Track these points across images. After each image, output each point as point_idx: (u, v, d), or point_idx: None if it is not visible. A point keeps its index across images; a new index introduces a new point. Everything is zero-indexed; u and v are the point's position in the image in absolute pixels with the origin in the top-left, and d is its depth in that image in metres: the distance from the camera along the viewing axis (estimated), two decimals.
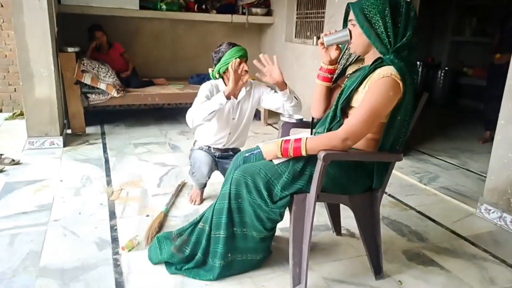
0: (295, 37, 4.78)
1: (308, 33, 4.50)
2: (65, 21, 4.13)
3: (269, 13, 5.08)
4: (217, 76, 2.28)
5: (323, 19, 4.09)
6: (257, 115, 4.44)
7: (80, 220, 2.23)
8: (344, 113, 1.58)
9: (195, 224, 1.80)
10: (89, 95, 3.87)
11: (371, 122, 1.49)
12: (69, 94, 3.77)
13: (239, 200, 1.63)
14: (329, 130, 1.60)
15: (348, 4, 1.60)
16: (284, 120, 1.94)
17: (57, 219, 2.23)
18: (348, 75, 1.70)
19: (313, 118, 1.87)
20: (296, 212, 1.58)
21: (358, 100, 1.52)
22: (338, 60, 1.74)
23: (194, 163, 2.39)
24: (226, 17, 4.86)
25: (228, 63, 2.18)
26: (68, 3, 4.13)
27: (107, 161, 3.20)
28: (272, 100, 2.32)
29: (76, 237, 2.06)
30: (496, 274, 1.89)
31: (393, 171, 3.07)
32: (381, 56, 1.52)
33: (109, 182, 2.77)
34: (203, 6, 4.83)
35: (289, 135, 1.89)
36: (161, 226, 2.17)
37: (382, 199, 1.75)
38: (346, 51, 1.74)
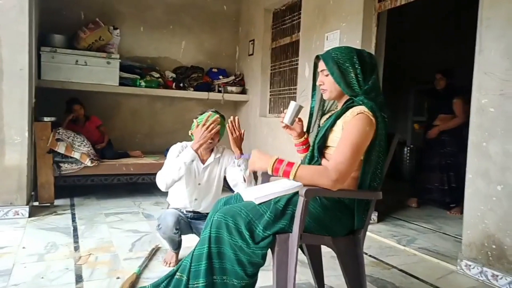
0: (269, 112, 5.02)
1: (282, 108, 4.75)
2: (43, 94, 4.20)
3: (243, 91, 5.38)
4: (190, 134, 2.35)
5: (295, 94, 4.37)
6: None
7: (42, 284, 2.04)
8: (321, 153, 1.63)
9: (171, 276, 1.69)
10: (61, 164, 3.79)
11: (356, 159, 1.53)
12: (40, 163, 3.68)
13: (220, 243, 1.56)
14: None
15: (317, 56, 1.75)
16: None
17: (17, 283, 2.03)
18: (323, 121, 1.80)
19: None
20: (279, 254, 1.52)
21: (334, 140, 1.59)
22: (311, 115, 1.85)
23: (160, 216, 2.32)
24: (203, 95, 5.09)
25: (202, 118, 2.28)
26: (48, 78, 4.24)
27: (75, 229, 3.03)
28: (231, 174, 2.30)
29: None
30: None
31: (372, 234, 3.11)
32: (352, 97, 1.63)
33: (77, 248, 2.60)
34: (181, 85, 5.08)
35: (269, 182, 1.90)
36: (132, 287, 2.00)
37: (364, 245, 1.72)
38: (321, 100, 1.85)
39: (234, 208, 1.59)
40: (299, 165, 1.52)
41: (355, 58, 1.62)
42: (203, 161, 2.36)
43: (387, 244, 2.98)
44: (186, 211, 2.38)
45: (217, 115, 2.33)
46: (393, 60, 4.18)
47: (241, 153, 2.21)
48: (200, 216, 2.37)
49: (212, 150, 2.38)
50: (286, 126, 1.85)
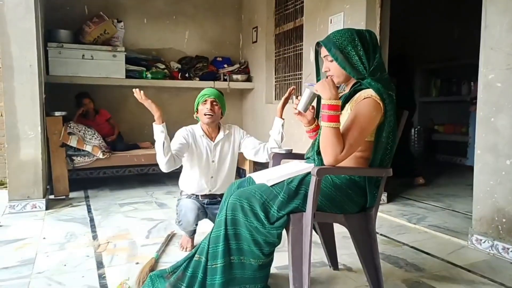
0: (275, 99, 5.04)
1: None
2: (52, 89, 4.26)
3: (249, 79, 5.40)
4: (195, 116, 2.40)
5: (301, 79, 4.38)
6: None
7: (65, 271, 2.12)
8: None
9: (190, 258, 1.75)
10: (74, 157, 3.87)
11: (360, 140, 1.57)
12: (54, 157, 3.76)
13: (236, 225, 1.62)
14: (318, 152, 1.67)
15: (317, 43, 1.76)
16: (274, 152, 2.00)
17: (41, 271, 2.11)
18: None
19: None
20: (293, 232, 1.57)
21: (342, 122, 1.62)
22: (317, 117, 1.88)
23: (180, 211, 2.36)
24: (208, 84, 5.10)
25: (198, 100, 2.36)
26: (56, 74, 4.30)
27: (92, 219, 3.11)
28: (249, 144, 2.41)
29: (62, 286, 1.94)
30: None
31: (382, 214, 3.15)
32: (359, 80, 1.66)
33: (95, 237, 2.67)
34: (186, 75, 5.11)
35: (280, 164, 1.95)
36: (152, 271, 2.06)
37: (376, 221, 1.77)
38: None
39: (248, 190, 1.64)
40: (335, 126, 1.51)
41: (356, 39, 1.64)
42: (212, 139, 2.40)
43: (397, 223, 3.02)
44: (202, 196, 2.42)
45: (212, 96, 2.35)
46: (399, 39, 4.15)
47: (281, 114, 2.36)
48: (215, 201, 2.42)
49: (219, 128, 2.42)
50: (299, 113, 1.83)
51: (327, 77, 1.70)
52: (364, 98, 1.59)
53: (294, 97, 1.92)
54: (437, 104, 6.43)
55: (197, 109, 2.40)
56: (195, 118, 2.46)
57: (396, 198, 3.71)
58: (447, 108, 6.30)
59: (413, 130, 6.23)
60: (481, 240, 2.44)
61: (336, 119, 1.51)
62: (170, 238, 2.60)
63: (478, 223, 2.48)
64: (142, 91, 2.19)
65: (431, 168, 5.55)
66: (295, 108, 1.81)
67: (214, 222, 2.27)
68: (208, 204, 2.43)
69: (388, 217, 3.15)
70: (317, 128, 1.89)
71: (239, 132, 2.49)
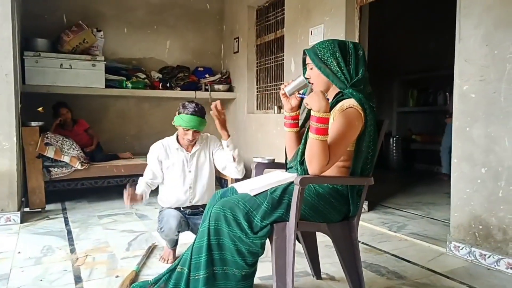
0: (257, 109, 5.07)
1: (269, 104, 4.80)
2: (29, 99, 4.16)
3: (230, 89, 5.42)
4: (172, 123, 2.38)
5: None
6: None
7: (42, 286, 2.05)
8: None
9: (172, 269, 1.72)
10: (51, 168, 3.77)
11: (343, 149, 1.59)
12: (30, 169, 3.65)
13: (219, 235, 1.61)
14: (301, 162, 1.68)
15: (304, 51, 1.80)
16: (257, 161, 2.00)
17: (16, 287, 2.03)
18: None
19: (286, 162, 1.97)
20: (277, 241, 1.57)
21: None
22: (300, 107, 1.89)
23: (162, 218, 2.34)
24: (190, 94, 5.10)
25: (179, 123, 2.31)
26: (33, 83, 4.21)
27: (69, 232, 3.02)
28: (219, 157, 2.40)
29: None
30: None
31: (363, 223, 3.19)
32: (341, 90, 1.69)
33: (73, 250, 2.60)
34: (168, 85, 5.08)
35: (262, 174, 1.95)
36: (133, 284, 2.02)
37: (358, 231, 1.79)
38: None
39: (232, 200, 1.64)
40: (323, 139, 1.51)
41: (335, 49, 1.67)
42: (188, 150, 2.40)
43: (378, 231, 3.06)
44: (183, 208, 2.40)
45: (196, 128, 2.32)
46: (377, 51, 4.25)
47: (228, 135, 2.25)
48: (197, 212, 2.40)
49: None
50: (284, 94, 1.83)
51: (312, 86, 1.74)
52: (347, 108, 1.62)
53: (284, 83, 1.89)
54: (414, 114, 6.58)
55: (178, 125, 2.35)
56: (173, 124, 2.42)
57: (376, 207, 3.76)
58: (424, 118, 6.46)
59: (391, 140, 6.37)
60: (459, 247, 2.49)
61: (324, 132, 1.51)
62: (151, 250, 2.55)
63: (456, 230, 2.53)
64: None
65: (410, 177, 5.66)
66: (282, 89, 1.83)
67: (196, 234, 2.26)
68: (189, 215, 2.41)
69: (370, 226, 3.18)
70: (297, 117, 1.88)
71: (214, 143, 2.48)
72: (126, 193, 2.29)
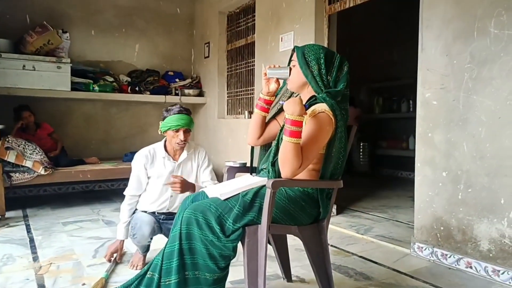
0: (227, 114, 5.08)
1: (240, 110, 4.82)
2: None
3: (201, 94, 5.40)
4: (159, 132, 2.34)
5: (252, 95, 4.46)
6: None
7: None
8: None
9: (142, 275, 1.69)
10: (12, 174, 3.61)
11: (314, 152, 1.63)
12: None
13: (191, 239, 1.60)
14: (273, 163, 1.71)
15: (294, 47, 1.84)
16: (228, 165, 2.01)
17: None
18: None
19: (252, 166, 2.00)
20: (249, 244, 1.58)
21: None
22: (276, 96, 1.94)
23: (135, 224, 2.29)
24: (159, 98, 5.04)
25: (168, 126, 2.26)
26: None
27: (32, 240, 2.91)
28: (202, 176, 2.44)
29: None
30: None
31: (332, 226, 3.26)
32: (315, 94, 1.73)
33: (36, 259, 2.50)
34: (136, 88, 5.00)
35: (234, 178, 1.96)
36: None
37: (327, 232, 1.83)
38: (286, 90, 1.94)
39: (203, 204, 1.63)
40: (296, 141, 1.54)
41: (321, 56, 1.73)
42: (175, 159, 2.36)
43: (346, 234, 3.13)
44: (158, 213, 2.37)
45: (186, 126, 2.28)
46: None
47: (193, 191, 2.26)
48: (172, 217, 2.37)
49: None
50: (265, 75, 1.86)
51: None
52: (319, 113, 1.66)
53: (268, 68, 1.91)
54: (379, 120, 6.80)
55: (165, 130, 2.30)
56: (160, 134, 2.37)
57: (345, 210, 3.86)
58: (389, 125, 6.68)
59: (358, 145, 6.54)
60: (422, 247, 2.59)
61: (297, 135, 1.55)
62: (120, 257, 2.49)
63: (419, 232, 2.64)
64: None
65: (376, 182, 5.84)
66: (266, 69, 1.86)
67: (167, 237, 2.24)
68: (163, 220, 2.38)
69: (338, 229, 3.26)
70: (270, 102, 1.93)
71: (202, 156, 2.45)
72: (111, 251, 2.40)
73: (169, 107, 2.31)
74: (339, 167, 1.74)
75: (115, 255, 2.42)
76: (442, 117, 2.47)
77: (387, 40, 6.27)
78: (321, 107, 1.67)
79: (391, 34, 6.17)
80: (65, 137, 4.63)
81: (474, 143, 2.31)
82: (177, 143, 2.28)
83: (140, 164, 2.32)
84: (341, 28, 3.70)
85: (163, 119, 2.30)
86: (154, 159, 2.34)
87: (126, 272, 2.28)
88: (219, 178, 2.39)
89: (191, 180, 2.40)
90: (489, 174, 2.24)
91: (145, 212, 2.35)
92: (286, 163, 1.55)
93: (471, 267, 2.32)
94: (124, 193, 2.38)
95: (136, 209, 2.41)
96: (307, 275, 2.23)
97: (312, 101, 1.72)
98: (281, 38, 3.83)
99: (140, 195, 2.39)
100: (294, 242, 2.37)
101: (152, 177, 2.35)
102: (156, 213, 2.37)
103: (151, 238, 2.31)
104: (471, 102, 2.32)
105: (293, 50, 1.83)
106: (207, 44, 5.31)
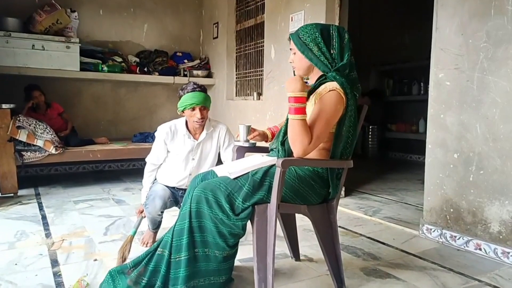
0: (236, 95, 5.05)
1: (248, 91, 4.79)
2: None
3: (209, 75, 5.37)
4: (178, 112, 2.32)
5: (261, 76, 4.42)
6: None
7: (16, 270, 2.01)
8: None
9: (152, 252, 1.71)
10: (23, 153, 3.65)
11: (325, 134, 1.62)
12: (1, 152, 3.53)
13: (200, 217, 1.61)
14: (282, 142, 1.70)
15: (289, 35, 1.81)
16: (238, 145, 2.00)
17: None
18: None
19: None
20: (258, 223, 1.59)
21: (308, 113, 1.66)
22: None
23: (150, 195, 2.31)
24: (168, 79, 5.03)
25: (184, 106, 2.22)
26: (3, 64, 4.04)
27: (44, 217, 2.96)
28: (225, 155, 2.40)
29: (14, 285, 1.83)
30: (447, 280, 1.99)
31: (340, 207, 3.26)
32: (324, 73, 1.71)
33: (48, 235, 2.55)
34: (145, 69, 4.98)
35: (243, 157, 1.96)
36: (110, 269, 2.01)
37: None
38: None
39: (213, 183, 1.64)
40: (302, 118, 1.54)
41: (317, 34, 1.69)
42: (195, 137, 2.36)
43: (355, 216, 3.14)
44: (177, 188, 2.38)
45: (201, 104, 2.23)
46: (354, 42, 4.30)
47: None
48: None
49: (203, 126, 2.34)
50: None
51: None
52: (329, 91, 1.63)
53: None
54: (389, 103, 6.72)
55: (182, 109, 2.27)
56: (179, 114, 2.35)
57: (353, 192, 3.85)
58: (399, 108, 6.60)
59: (367, 129, 6.49)
60: (431, 229, 2.59)
61: (302, 111, 1.54)
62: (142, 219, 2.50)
63: (428, 214, 2.63)
64: None
65: (385, 165, 5.81)
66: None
67: None
68: (181, 195, 2.37)
69: (346, 210, 3.26)
70: (273, 135, 1.96)
71: (224, 134, 2.40)
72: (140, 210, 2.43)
73: (183, 86, 2.28)
74: (348, 147, 1.73)
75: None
76: (455, 99, 2.43)
77: (398, 22, 6.13)
78: (332, 85, 1.65)
79: (403, 16, 6.03)
80: (75, 117, 4.65)
81: (487, 125, 2.27)
82: (195, 121, 2.24)
83: (161, 138, 2.31)
84: (351, 9, 3.61)
85: (180, 98, 2.28)
86: (175, 135, 2.32)
87: (137, 250, 2.31)
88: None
89: (210, 159, 2.40)
90: (501, 156, 2.21)
91: (165, 185, 2.36)
92: (297, 140, 1.54)
93: (480, 249, 2.31)
94: (146, 159, 2.40)
95: (155, 179, 2.44)
96: (315, 254, 2.25)
97: (322, 79, 1.70)
98: (291, 17, 3.77)
99: (160, 166, 2.40)
100: (302, 223, 2.39)
101: (172, 152, 2.35)
102: (175, 188, 2.38)
103: (162, 212, 2.31)
104: (485, 83, 2.27)
105: (289, 39, 1.80)
106: (216, 25, 5.25)
